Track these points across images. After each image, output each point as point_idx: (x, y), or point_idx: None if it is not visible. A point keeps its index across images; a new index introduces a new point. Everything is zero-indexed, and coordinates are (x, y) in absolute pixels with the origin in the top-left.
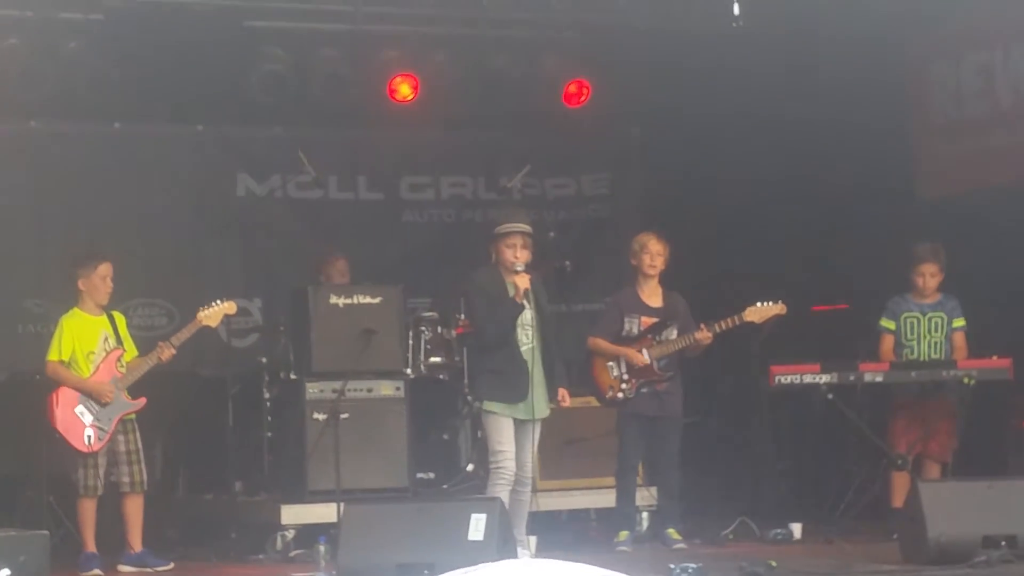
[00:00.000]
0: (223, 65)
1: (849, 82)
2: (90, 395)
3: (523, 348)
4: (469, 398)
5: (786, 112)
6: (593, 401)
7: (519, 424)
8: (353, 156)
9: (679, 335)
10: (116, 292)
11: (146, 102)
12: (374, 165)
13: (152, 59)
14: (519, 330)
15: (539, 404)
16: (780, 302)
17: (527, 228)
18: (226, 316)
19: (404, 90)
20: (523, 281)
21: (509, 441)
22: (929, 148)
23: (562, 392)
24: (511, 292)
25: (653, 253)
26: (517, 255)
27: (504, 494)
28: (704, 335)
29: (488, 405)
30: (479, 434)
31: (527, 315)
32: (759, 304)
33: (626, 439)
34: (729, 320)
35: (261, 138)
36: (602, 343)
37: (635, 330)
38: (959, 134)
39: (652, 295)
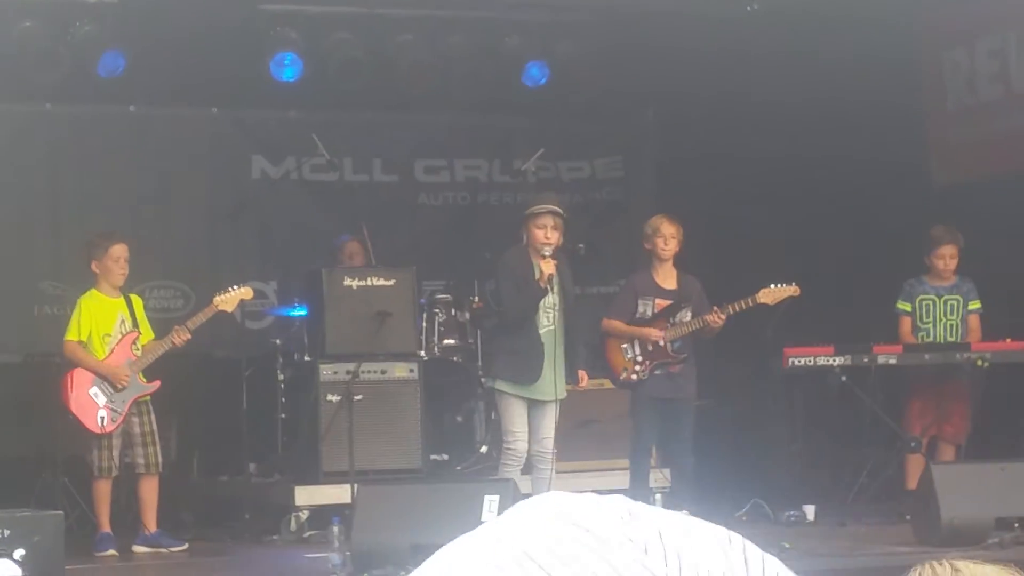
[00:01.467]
0: (238, 48)
1: (864, 66)
2: (105, 378)
3: (543, 330)
4: (482, 378)
5: (800, 95)
6: (607, 383)
7: (537, 404)
8: (368, 138)
9: (693, 317)
10: (132, 274)
11: (161, 85)
12: (389, 147)
13: (167, 42)
14: (540, 312)
15: (558, 385)
16: (793, 284)
17: (559, 209)
18: (242, 300)
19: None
20: (548, 267)
21: (521, 422)
22: (943, 133)
23: (581, 374)
24: (537, 274)
25: (666, 236)
26: (548, 236)
27: (515, 473)
28: (716, 318)
29: (500, 385)
30: (493, 415)
31: (549, 298)
32: (772, 286)
33: (640, 421)
34: (742, 302)
35: (276, 121)
36: (617, 324)
37: (649, 312)
38: (973, 119)
39: (667, 278)
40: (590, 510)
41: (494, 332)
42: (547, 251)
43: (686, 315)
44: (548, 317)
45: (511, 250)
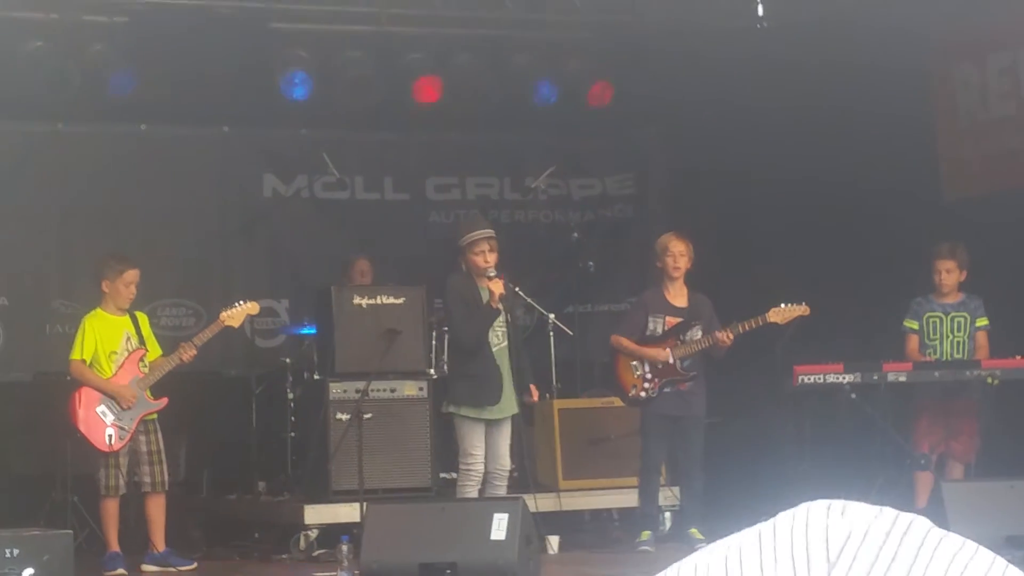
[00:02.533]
0: (248, 67)
1: (874, 81)
2: (110, 397)
3: (495, 348)
4: (449, 407)
5: (810, 111)
6: (616, 401)
7: (493, 423)
8: (379, 157)
9: (703, 335)
10: (143, 293)
11: (172, 104)
12: (400, 166)
13: (177, 61)
14: (491, 332)
15: (508, 402)
16: (804, 304)
17: (490, 232)
18: (249, 316)
19: (428, 92)
20: (497, 287)
21: (480, 444)
22: (955, 149)
23: (531, 388)
24: (485, 297)
25: (675, 254)
26: (487, 260)
27: (473, 492)
28: (725, 337)
29: (462, 410)
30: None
31: (499, 317)
32: (783, 305)
33: (649, 439)
34: (752, 321)
35: (287, 139)
36: (625, 342)
37: (660, 330)
38: (985, 135)
39: (677, 295)
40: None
41: (451, 358)
42: (491, 272)
43: (696, 333)
44: (497, 335)
45: (453, 277)
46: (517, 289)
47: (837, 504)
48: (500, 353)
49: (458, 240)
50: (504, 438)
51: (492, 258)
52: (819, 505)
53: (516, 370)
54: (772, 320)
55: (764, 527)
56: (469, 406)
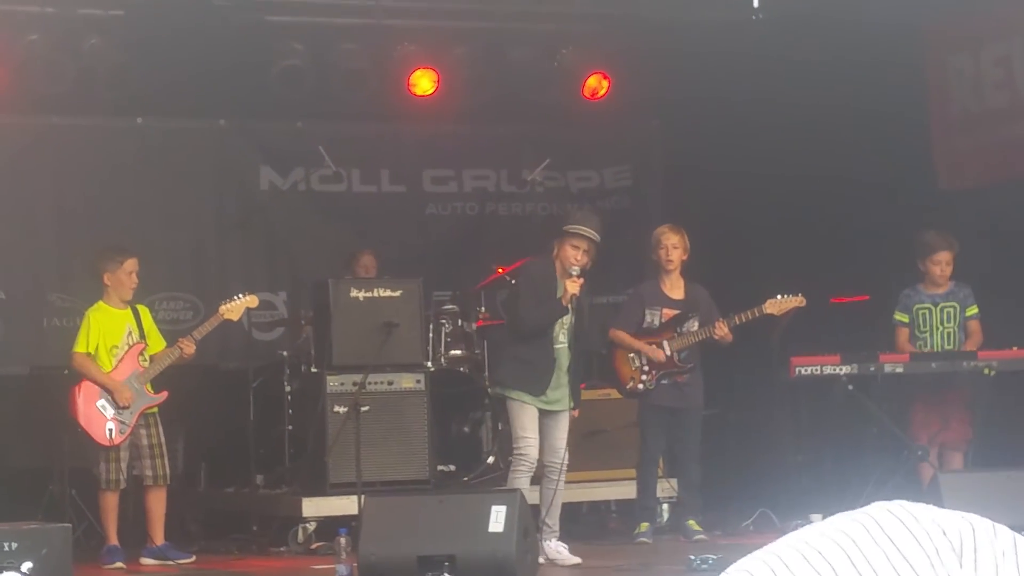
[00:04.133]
0: (244, 60)
1: (869, 73)
2: (109, 392)
3: (557, 347)
4: (489, 387)
5: (806, 103)
6: (613, 393)
7: (549, 414)
8: (375, 149)
9: (700, 327)
10: (140, 286)
11: (167, 97)
12: (396, 158)
13: (173, 54)
14: (557, 327)
15: (561, 397)
16: (800, 295)
17: (596, 236)
18: (248, 309)
19: (424, 84)
20: (574, 287)
21: (533, 428)
22: (949, 140)
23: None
24: (559, 291)
25: (668, 246)
26: (579, 258)
27: (525, 482)
28: (722, 331)
29: (511, 393)
30: (500, 426)
31: (567, 317)
32: (779, 297)
33: (647, 431)
34: (748, 313)
35: (283, 132)
36: (622, 335)
37: (656, 322)
38: (979, 126)
39: (674, 287)
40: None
41: (503, 339)
42: (575, 271)
43: (693, 324)
44: (563, 334)
45: (536, 261)
46: (514, 282)
47: (920, 504)
48: (561, 352)
49: (563, 224)
50: (560, 430)
51: (584, 259)
52: (905, 503)
53: (572, 376)
54: (768, 311)
55: (865, 521)
56: (516, 389)
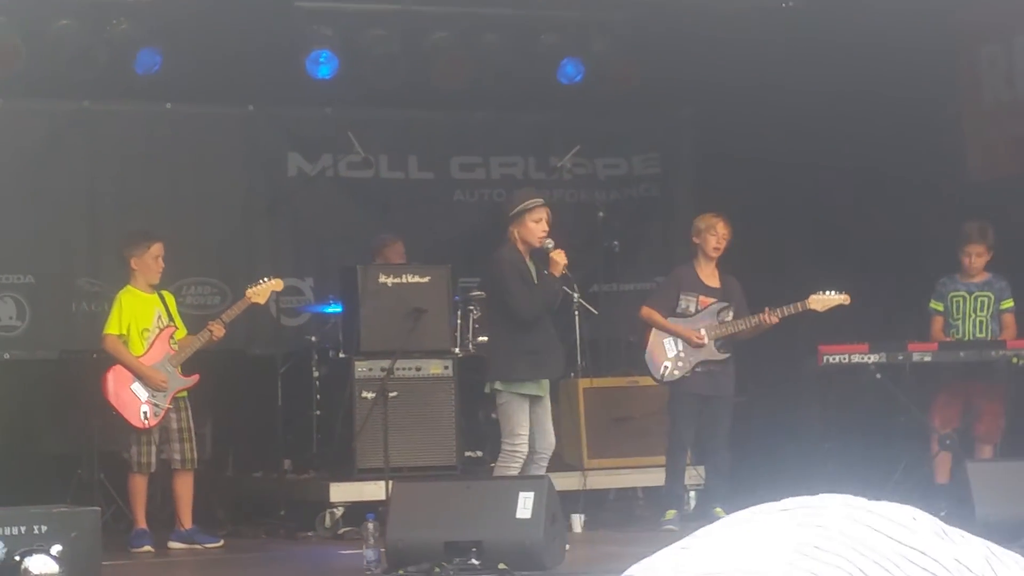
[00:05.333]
0: (274, 45)
1: (901, 60)
2: (141, 378)
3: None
4: (491, 382)
5: (836, 90)
6: (640, 380)
7: (535, 400)
8: (404, 135)
9: (734, 318)
10: (169, 271)
11: (197, 82)
12: (425, 144)
13: (203, 39)
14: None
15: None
16: (844, 293)
17: (544, 202)
18: (275, 294)
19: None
20: (562, 256)
21: (526, 424)
22: (980, 129)
23: None
24: (533, 270)
25: (720, 236)
26: (544, 229)
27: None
28: (769, 318)
29: (512, 387)
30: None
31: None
32: (824, 293)
33: (679, 418)
34: (791, 307)
35: (312, 118)
36: (657, 316)
37: (692, 308)
38: (1011, 115)
39: (711, 276)
40: (903, 522)
41: (505, 333)
42: (550, 243)
43: (728, 314)
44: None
45: (502, 250)
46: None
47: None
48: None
49: (512, 209)
50: (548, 415)
51: (546, 228)
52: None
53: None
54: (812, 307)
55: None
56: (523, 381)
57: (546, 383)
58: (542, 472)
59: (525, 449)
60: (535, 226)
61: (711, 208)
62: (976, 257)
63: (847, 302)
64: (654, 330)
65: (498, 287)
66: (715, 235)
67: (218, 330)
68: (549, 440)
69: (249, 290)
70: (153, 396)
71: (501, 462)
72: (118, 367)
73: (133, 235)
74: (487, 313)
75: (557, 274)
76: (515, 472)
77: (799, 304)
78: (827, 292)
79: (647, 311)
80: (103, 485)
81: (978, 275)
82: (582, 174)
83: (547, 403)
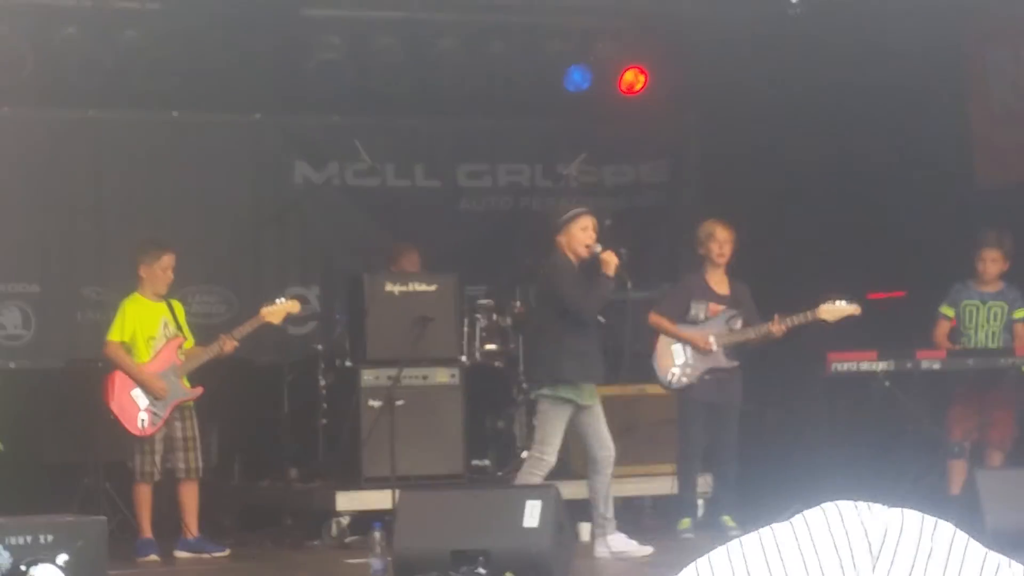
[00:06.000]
0: (280, 54)
1: (908, 66)
2: (143, 386)
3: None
4: (534, 385)
5: (844, 97)
6: (648, 388)
7: (586, 409)
8: (410, 144)
9: (744, 325)
10: (175, 279)
11: (204, 91)
12: (431, 152)
13: (209, 48)
14: None
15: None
16: (855, 303)
17: (590, 209)
18: (288, 314)
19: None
20: (613, 257)
21: (561, 435)
22: (988, 136)
23: None
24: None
25: (721, 241)
26: (592, 235)
27: (538, 481)
28: (778, 328)
29: (560, 391)
30: (534, 421)
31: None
32: (835, 303)
33: (689, 426)
34: (801, 317)
35: (318, 126)
36: (666, 323)
37: (702, 315)
38: (1020, 122)
39: (720, 283)
40: None
41: (543, 338)
42: (598, 247)
43: (737, 322)
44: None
45: (553, 257)
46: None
47: (862, 503)
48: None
49: (558, 219)
50: (602, 421)
51: (594, 234)
52: (846, 504)
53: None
54: (822, 317)
55: (796, 523)
56: (571, 385)
57: (594, 390)
58: (605, 477)
59: (552, 460)
60: (582, 234)
61: (718, 215)
62: (991, 263)
63: (857, 312)
64: (662, 336)
65: (552, 289)
66: (716, 241)
67: (229, 345)
68: (608, 446)
69: (264, 309)
70: (152, 404)
71: (526, 468)
72: (121, 371)
73: (146, 242)
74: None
75: (611, 275)
76: (538, 480)
77: (809, 313)
78: (837, 302)
79: (655, 317)
80: (109, 494)
81: (992, 283)
82: (589, 182)
83: (598, 410)
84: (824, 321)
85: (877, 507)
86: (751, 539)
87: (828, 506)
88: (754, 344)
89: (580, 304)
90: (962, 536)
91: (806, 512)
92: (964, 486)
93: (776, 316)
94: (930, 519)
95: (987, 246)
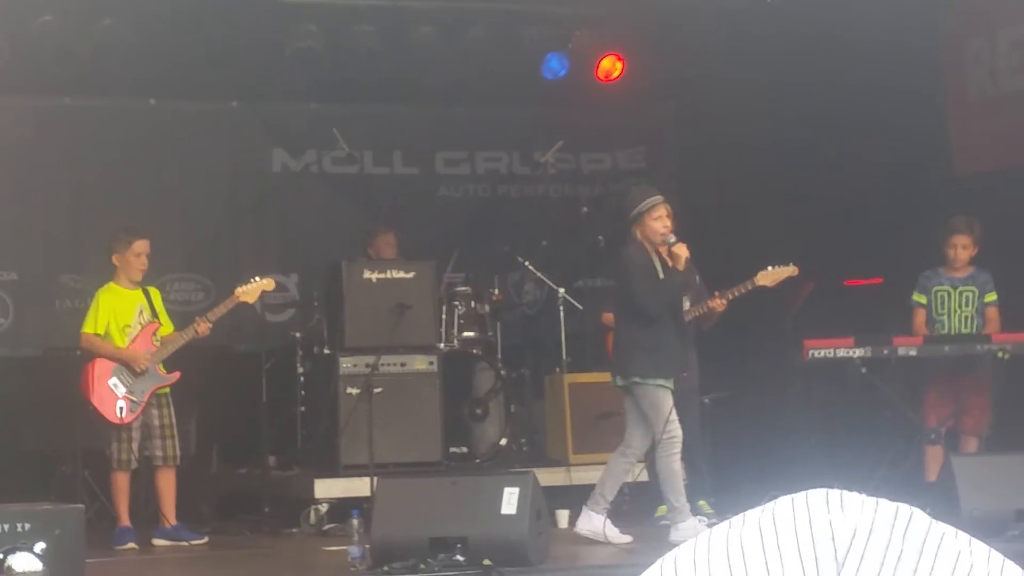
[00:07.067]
0: (258, 41)
1: (884, 55)
2: (124, 363)
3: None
4: (620, 380)
5: (820, 85)
6: None
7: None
8: (388, 131)
9: (691, 305)
10: (153, 267)
11: (181, 78)
12: (409, 140)
13: (187, 36)
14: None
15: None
16: (791, 264)
17: (665, 198)
18: (263, 292)
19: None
20: (683, 249)
21: (671, 406)
22: (965, 124)
23: None
24: (658, 267)
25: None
26: (667, 224)
27: (678, 462)
28: (718, 303)
29: (651, 380)
30: (512, 408)
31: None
32: (770, 268)
33: None
34: (741, 287)
35: (296, 113)
36: (610, 317)
37: None
38: (995, 110)
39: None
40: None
41: (623, 331)
42: (671, 238)
43: (685, 303)
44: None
45: (629, 249)
46: (527, 264)
47: (834, 495)
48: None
49: (632, 209)
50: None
51: (670, 223)
52: (817, 496)
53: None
54: (761, 283)
55: (763, 520)
56: (656, 376)
57: (671, 381)
58: (629, 463)
59: (680, 433)
60: (656, 223)
61: (695, 202)
62: (962, 249)
63: (795, 273)
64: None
65: (623, 284)
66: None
67: (204, 327)
68: (646, 438)
69: (239, 289)
70: (131, 392)
71: (662, 452)
72: (99, 361)
73: (118, 231)
74: (471, 309)
75: (681, 268)
76: (678, 458)
77: (747, 283)
78: (772, 267)
79: (607, 317)
80: (87, 482)
81: (962, 269)
82: (566, 169)
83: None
84: (764, 287)
85: (850, 500)
86: (717, 535)
87: (798, 500)
88: (706, 325)
89: (645, 299)
90: (937, 532)
91: (775, 506)
92: (940, 472)
93: (716, 293)
94: (905, 512)
95: (957, 232)
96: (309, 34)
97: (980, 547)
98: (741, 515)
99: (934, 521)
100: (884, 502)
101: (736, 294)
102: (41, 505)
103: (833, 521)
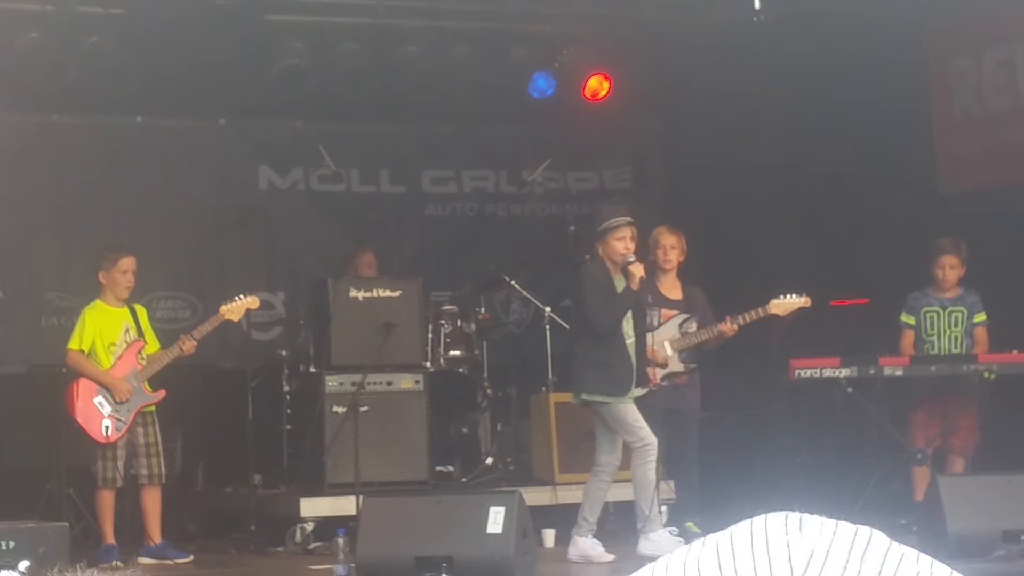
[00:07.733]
0: (244, 59)
1: (870, 75)
2: (107, 389)
3: (627, 341)
4: (576, 397)
5: (807, 105)
6: None
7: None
8: (375, 149)
9: (699, 328)
10: (139, 285)
11: (167, 96)
12: (396, 158)
13: (173, 53)
14: (624, 322)
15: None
16: (804, 295)
17: (631, 220)
18: (248, 310)
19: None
20: (639, 269)
21: (640, 417)
22: (951, 143)
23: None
24: (619, 286)
25: (666, 247)
26: (628, 247)
27: (653, 470)
28: (729, 327)
29: (605, 397)
30: (498, 427)
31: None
32: (784, 297)
33: None
34: (752, 313)
35: (283, 131)
36: None
37: (655, 322)
38: (981, 129)
39: (672, 288)
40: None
41: (578, 347)
42: (631, 258)
43: (691, 325)
44: (630, 326)
45: (592, 264)
46: (513, 283)
47: (794, 518)
48: (631, 347)
49: (598, 226)
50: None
51: (632, 245)
52: (776, 519)
53: (639, 362)
54: (773, 312)
55: (721, 542)
56: (606, 392)
57: (632, 395)
58: (605, 483)
59: (653, 440)
60: (617, 244)
61: (682, 221)
62: (950, 269)
63: (808, 304)
64: None
65: (577, 300)
66: (660, 247)
67: (188, 346)
68: (617, 453)
69: (223, 307)
70: (116, 411)
71: (637, 460)
72: (83, 379)
73: (103, 248)
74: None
75: (635, 287)
76: (653, 467)
77: (760, 310)
78: (787, 296)
79: None
80: (72, 500)
81: (951, 289)
82: (553, 188)
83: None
84: (776, 316)
85: (809, 523)
86: (676, 559)
87: (756, 523)
88: (710, 346)
89: (594, 316)
90: (895, 554)
91: (734, 530)
92: (927, 492)
93: (727, 317)
94: (864, 535)
95: (945, 253)
96: (295, 52)
97: (941, 569)
98: (701, 538)
99: (894, 543)
100: (844, 524)
101: (747, 320)
102: (26, 523)
103: (791, 543)
